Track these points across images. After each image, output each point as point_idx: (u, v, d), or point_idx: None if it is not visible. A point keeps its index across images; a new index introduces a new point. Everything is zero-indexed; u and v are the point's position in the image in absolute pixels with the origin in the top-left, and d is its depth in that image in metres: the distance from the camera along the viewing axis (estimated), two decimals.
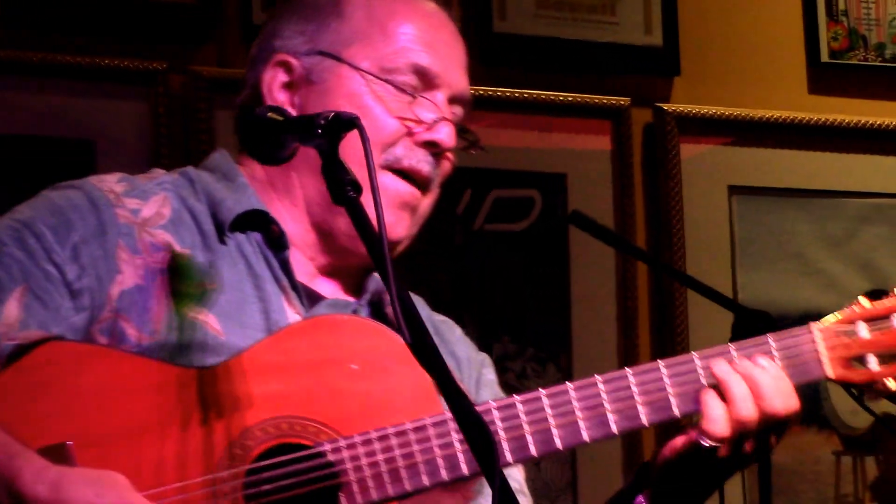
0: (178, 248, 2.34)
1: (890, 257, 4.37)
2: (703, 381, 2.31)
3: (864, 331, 2.39)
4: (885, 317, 2.40)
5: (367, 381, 2.23)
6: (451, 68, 2.43)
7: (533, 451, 2.26)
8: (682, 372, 2.31)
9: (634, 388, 2.29)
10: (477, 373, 2.53)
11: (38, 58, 3.78)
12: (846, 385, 2.44)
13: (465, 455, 2.24)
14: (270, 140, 2.15)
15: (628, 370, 2.30)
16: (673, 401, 2.29)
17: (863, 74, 4.38)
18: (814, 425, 4.24)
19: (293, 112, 2.38)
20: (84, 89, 3.84)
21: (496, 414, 2.26)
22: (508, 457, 2.27)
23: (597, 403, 2.28)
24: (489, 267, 4.05)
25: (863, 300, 2.41)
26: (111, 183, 2.35)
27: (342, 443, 2.20)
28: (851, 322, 2.40)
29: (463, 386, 2.13)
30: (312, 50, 2.42)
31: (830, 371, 2.35)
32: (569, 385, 2.26)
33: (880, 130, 4.35)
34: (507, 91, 3.99)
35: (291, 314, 2.34)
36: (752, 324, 2.69)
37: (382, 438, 2.21)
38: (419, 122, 2.39)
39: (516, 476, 2.52)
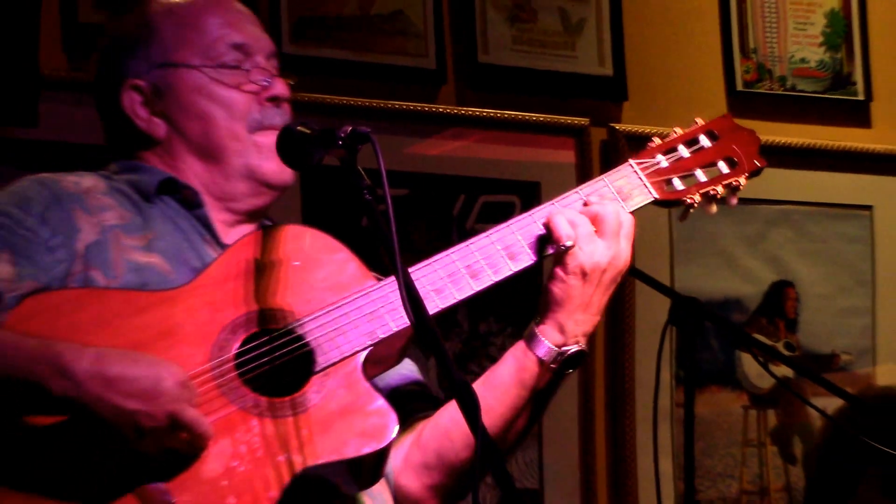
0: (118, 210, 2.44)
1: (793, 254, 4.58)
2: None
3: (684, 152, 2.55)
4: (696, 139, 2.57)
5: (308, 272, 2.37)
6: (255, 35, 2.56)
7: (455, 297, 2.40)
8: (527, 223, 2.46)
9: (495, 244, 2.44)
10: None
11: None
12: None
13: (396, 312, 2.34)
14: (299, 150, 2.31)
15: (487, 233, 2.46)
16: (525, 244, 2.45)
17: (769, 101, 4.58)
18: (728, 386, 4.47)
19: (159, 122, 2.49)
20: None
21: (388, 289, 2.36)
22: (440, 304, 2.39)
23: (474, 261, 2.43)
24: None
25: (678, 129, 2.57)
26: (48, 173, 2.48)
27: (305, 320, 2.33)
28: (671, 149, 2.55)
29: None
30: (149, 67, 2.51)
31: (654, 192, 2.53)
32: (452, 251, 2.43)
33: (785, 148, 4.52)
34: (490, 112, 4.21)
35: (215, 256, 2.47)
36: (684, 307, 2.96)
37: (335, 309, 2.34)
38: (257, 86, 2.50)
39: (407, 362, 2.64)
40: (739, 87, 4.54)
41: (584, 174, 4.30)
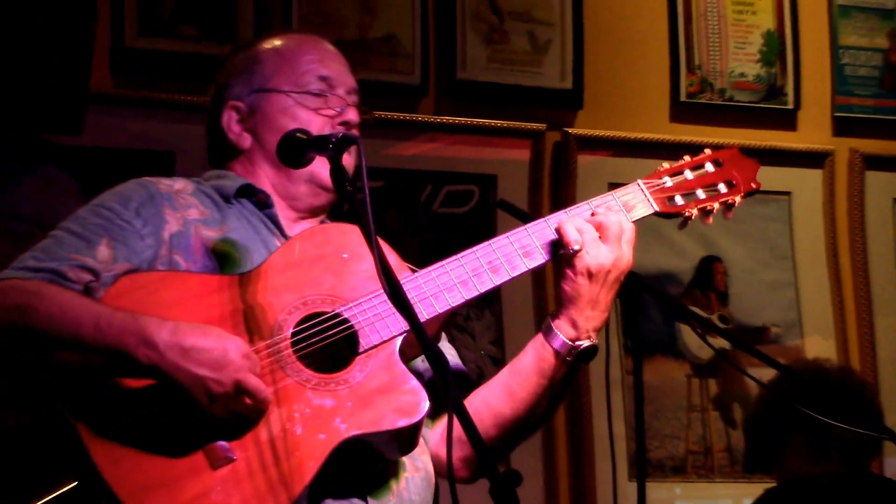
0: (200, 208, 2.58)
1: (719, 232, 4.65)
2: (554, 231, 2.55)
3: (689, 175, 2.66)
4: (701, 165, 2.67)
5: (354, 263, 2.46)
6: (341, 73, 2.71)
7: (460, 294, 2.50)
8: (542, 227, 2.56)
9: (513, 245, 2.55)
10: None
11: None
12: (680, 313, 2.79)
13: (427, 301, 2.47)
14: (295, 151, 2.48)
15: (506, 235, 2.56)
16: (539, 245, 2.55)
17: (709, 110, 4.76)
18: (671, 355, 4.59)
19: (247, 136, 2.68)
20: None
21: (422, 280, 2.49)
22: (438, 305, 2.49)
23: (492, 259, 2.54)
24: (443, 238, 4.37)
25: (688, 157, 2.69)
26: (151, 177, 2.64)
27: (351, 305, 2.44)
28: (678, 172, 2.66)
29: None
30: (250, 91, 2.69)
31: (655, 205, 2.62)
32: (458, 256, 2.54)
33: (719, 147, 4.34)
34: (461, 119, 4.44)
35: None
36: (625, 281, 2.83)
37: (375, 297, 2.44)
38: (333, 111, 2.66)
39: (447, 348, 2.77)
40: (683, 97, 4.69)
41: (536, 169, 4.51)
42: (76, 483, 2.34)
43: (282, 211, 2.66)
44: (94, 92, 3.91)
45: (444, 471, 2.54)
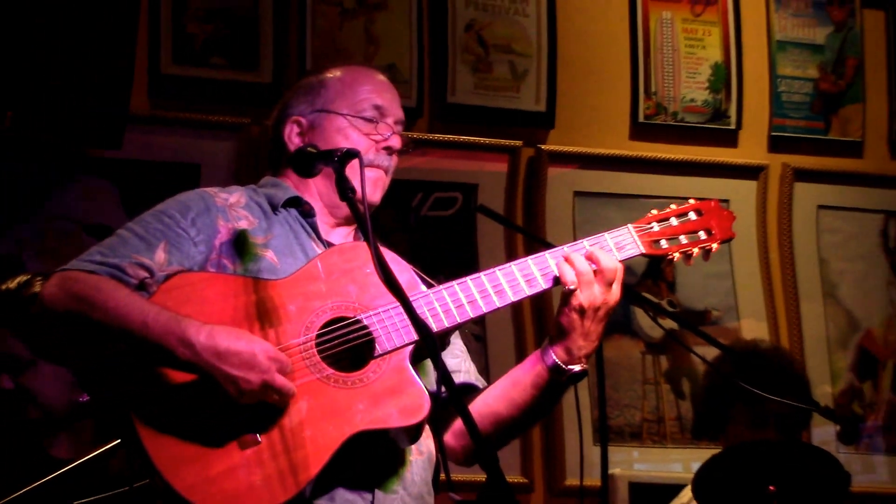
0: (250, 219, 2.55)
1: None
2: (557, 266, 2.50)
3: (674, 221, 2.61)
4: (685, 214, 2.62)
5: (375, 278, 2.34)
6: (392, 105, 2.68)
7: (467, 312, 2.47)
8: (543, 261, 2.52)
9: (517, 273, 2.51)
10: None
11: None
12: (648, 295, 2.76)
13: (438, 317, 2.44)
14: (307, 163, 2.49)
15: (511, 264, 2.52)
16: (540, 277, 2.50)
17: (663, 130, 4.74)
18: (628, 334, 4.56)
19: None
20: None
21: (434, 296, 2.47)
22: (447, 320, 2.46)
23: (496, 284, 2.49)
24: (431, 237, 4.39)
25: (673, 206, 2.65)
26: (210, 188, 2.62)
27: (370, 313, 2.43)
28: (665, 219, 2.61)
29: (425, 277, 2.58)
30: (312, 110, 2.66)
31: (642, 247, 2.56)
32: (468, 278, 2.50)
33: (669, 162, 4.69)
34: (452, 136, 4.45)
35: (319, 252, 2.56)
36: None
37: (392, 309, 2.42)
38: (380, 136, 2.64)
39: (461, 345, 2.74)
40: (641, 119, 4.67)
41: (512, 179, 4.51)
42: (119, 441, 2.43)
43: (323, 217, 2.65)
44: (133, 112, 3.93)
45: (448, 455, 2.56)
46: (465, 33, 4.49)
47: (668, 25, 4.75)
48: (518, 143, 4.55)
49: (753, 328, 4.65)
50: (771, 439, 3.51)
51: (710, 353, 3.58)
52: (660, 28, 4.73)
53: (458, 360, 2.71)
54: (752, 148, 4.85)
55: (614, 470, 4.24)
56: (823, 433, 4.57)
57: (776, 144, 4.88)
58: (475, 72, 4.50)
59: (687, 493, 3.54)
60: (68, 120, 3.52)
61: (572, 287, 2.47)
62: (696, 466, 3.35)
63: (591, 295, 2.47)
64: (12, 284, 2.77)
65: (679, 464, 4.53)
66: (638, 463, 4.50)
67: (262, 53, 4.26)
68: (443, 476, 2.47)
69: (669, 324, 3.83)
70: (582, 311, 2.47)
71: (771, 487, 3.21)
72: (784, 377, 3.57)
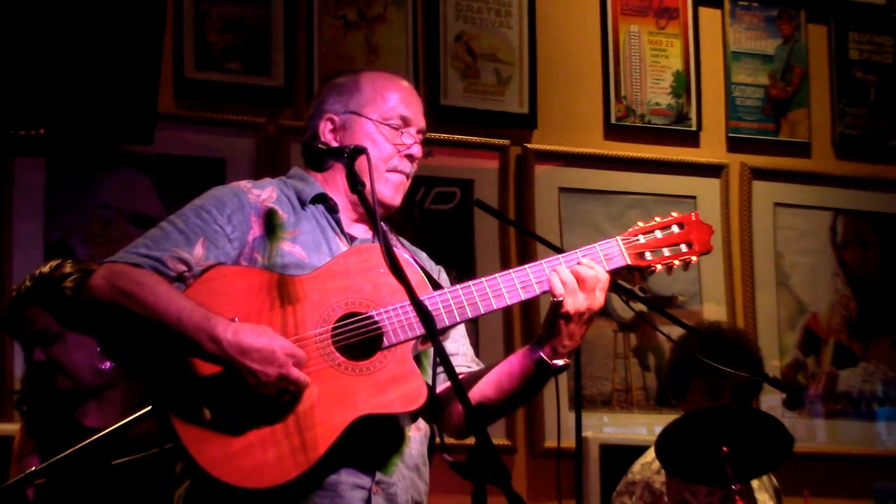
0: (280, 213, 2.49)
1: None
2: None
3: (658, 234, 2.54)
4: (668, 227, 2.56)
5: (388, 278, 2.35)
6: (417, 115, 2.63)
7: (467, 313, 2.44)
8: (539, 270, 2.48)
9: (515, 280, 2.46)
10: (437, 273, 2.70)
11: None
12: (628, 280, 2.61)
13: (441, 317, 2.42)
14: (319, 158, 2.49)
15: (511, 271, 2.49)
16: (536, 284, 2.47)
17: (632, 130, 4.70)
18: (602, 316, 4.44)
19: (336, 144, 2.55)
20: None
21: (439, 298, 2.43)
22: (448, 318, 2.43)
23: (495, 287, 2.46)
24: (434, 229, 4.34)
25: (658, 218, 2.57)
26: (244, 182, 2.57)
27: (381, 310, 2.41)
28: (649, 231, 2.54)
29: (432, 276, 2.56)
30: (345, 110, 2.60)
31: (628, 259, 2.51)
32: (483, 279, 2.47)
33: (637, 160, 4.66)
34: (447, 136, 4.37)
35: (342, 246, 2.53)
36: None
37: (401, 308, 2.40)
38: (404, 144, 2.59)
39: (461, 330, 2.69)
40: (613, 121, 4.65)
41: (503, 175, 4.46)
42: (151, 407, 2.38)
43: (346, 212, 2.59)
44: (161, 112, 3.84)
45: (443, 427, 2.56)
46: (456, 43, 4.47)
47: (635, 37, 4.73)
48: (506, 142, 4.51)
49: (714, 311, 4.66)
50: (726, 406, 3.49)
51: (675, 332, 3.55)
52: (628, 40, 4.71)
53: (457, 345, 2.67)
54: (712, 148, 4.81)
55: (587, 433, 4.22)
56: (771, 400, 4.57)
57: (734, 145, 4.84)
58: (464, 78, 4.47)
59: (651, 454, 3.51)
60: (106, 121, 3.52)
61: (559, 298, 2.43)
62: (658, 430, 3.34)
63: (576, 302, 2.43)
64: (45, 269, 2.93)
65: (644, 427, 4.53)
66: (608, 427, 4.50)
67: (273, 60, 4.25)
68: (438, 441, 2.47)
69: (640, 307, 3.81)
70: (568, 317, 2.44)
71: (724, 448, 3.20)
72: (739, 353, 3.55)
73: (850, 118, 4.96)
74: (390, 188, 2.56)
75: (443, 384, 2.54)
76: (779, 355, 4.75)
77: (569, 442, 3.91)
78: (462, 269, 4.28)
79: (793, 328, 4.80)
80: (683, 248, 2.56)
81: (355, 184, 2.35)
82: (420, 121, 2.64)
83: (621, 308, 4.49)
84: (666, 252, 2.54)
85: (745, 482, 3.33)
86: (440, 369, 2.49)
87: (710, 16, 4.84)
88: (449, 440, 2.44)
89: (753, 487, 3.53)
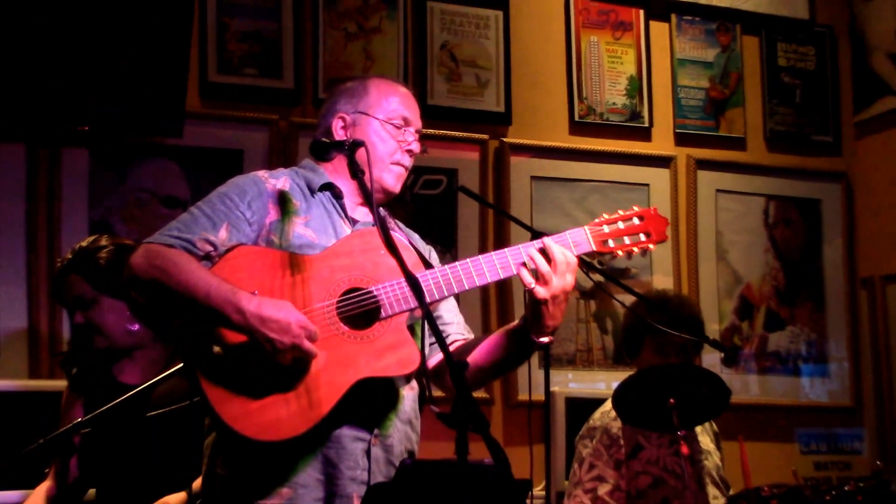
0: (294, 201, 2.44)
1: (601, 209, 4.33)
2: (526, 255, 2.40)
3: (621, 225, 2.50)
4: (630, 219, 2.50)
5: (387, 258, 2.33)
6: (416, 116, 2.60)
7: (453, 288, 2.40)
8: (516, 252, 2.43)
9: (495, 260, 2.42)
10: (428, 253, 2.68)
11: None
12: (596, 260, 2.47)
13: (432, 292, 2.36)
14: (324, 150, 2.46)
15: (492, 254, 2.43)
16: (513, 265, 2.42)
17: (593, 127, 4.67)
18: None
19: (347, 138, 2.49)
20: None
21: (429, 276, 2.39)
22: (437, 293, 2.39)
23: (477, 266, 2.42)
24: (423, 211, 4.30)
25: (621, 211, 2.52)
26: (262, 172, 2.51)
27: (380, 286, 2.38)
28: (613, 222, 2.50)
29: (424, 255, 2.49)
30: (355, 110, 2.56)
31: (594, 246, 2.46)
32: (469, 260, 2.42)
33: (598, 152, 4.63)
34: (434, 131, 4.31)
35: (346, 229, 2.49)
36: (538, 237, 2.57)
37: (397, 284, 2.37)
38: (405, 141, 2.55)
39: (452, 302, 2.67)
40: (576, 118, 4.63)
41: (483, 165, 4.42)
42: (182, 365, 2.40)
43: (351, 197, 2.54)
44: (188, 110, 3.89)
45: (441, 387, 2.53)
46: (441, 51, 4.44)
47: (595, 46, 4.70)
48: (485, 136, 4.48)
49: (663, 281, 4.63)
50: (672, 363, 3.46)
51: (629, 299, 3.57)
52: (589, 48, 4.69)
53: (451, 315, 2.65)
54: (662, 142, 4.78)
55: (554, 388, 4.22)
56: (712, 359, 4.56)
57: (680, 139, 4.81)
58: (448, 81, 4.45)
59: (608, 405, 3.50)
60: (143, 118, 3.53)
61: (530, 287, 2.38)
62: (615, 384, 3.30)
63: (549, 288, 2.37)
64: (84, 243, 2.89)
65: (603, 383, 4.51)
66: (572, 382, 4.48)
67: (284, 66, 4.21)
68: (427, 394, 2.43)
69: (598, 278, 3.71)
70: (543, 301, 2.38)
71: (671, 400, 3.18)
72: (684, 317, 3.51)
73: (780, 116, 4.96)
74: (392, 178, 2.52)
75: (436, 356, 2.53)
76: (718, 320, 4.76)
77: (538, 395, 3.66)
78: (446, 245, 4.30)
79: (730, 296, 4.80)
80: (642, 237, 2.51)
81: (356, 171, 2.32)
82: (418, 122, 2.61)
83: (582, 278, 4.20)
84: (627, 241, 2.49)
85: (689, 428, 3.34)
86: (432, 339, 2.47)
87: (659, 28, 4.84)
88: (437, 393, 2.41)
89: (696, 432, 3.54)
